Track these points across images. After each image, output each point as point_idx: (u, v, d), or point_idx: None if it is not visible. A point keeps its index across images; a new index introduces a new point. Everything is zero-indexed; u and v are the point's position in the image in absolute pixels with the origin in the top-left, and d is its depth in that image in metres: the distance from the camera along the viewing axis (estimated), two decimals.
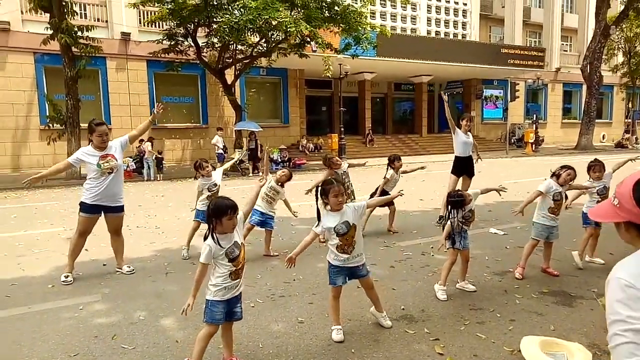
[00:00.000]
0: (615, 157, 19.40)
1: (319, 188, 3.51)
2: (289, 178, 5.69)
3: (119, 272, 5.08)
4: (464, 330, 3.51)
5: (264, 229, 5.70)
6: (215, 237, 2.85)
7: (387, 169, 6.77)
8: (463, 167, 7.36)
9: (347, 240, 3.36)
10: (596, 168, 5.02)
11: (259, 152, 17.15)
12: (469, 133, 7.38)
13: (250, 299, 4.19)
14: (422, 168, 7.06)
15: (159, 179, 15.29)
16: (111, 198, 4.93)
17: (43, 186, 12.99)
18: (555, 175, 4.66)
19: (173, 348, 3.32)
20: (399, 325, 3.62)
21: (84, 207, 4.88)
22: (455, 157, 7.46)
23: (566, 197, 4.82)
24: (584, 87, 27.34)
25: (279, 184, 5.63)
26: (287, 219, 7.99)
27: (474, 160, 7.59)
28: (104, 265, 5.37)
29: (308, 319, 3.77)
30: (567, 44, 34.14)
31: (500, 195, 4.66)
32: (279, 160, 18.73)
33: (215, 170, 5.82)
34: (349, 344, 3.32)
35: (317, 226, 3.49)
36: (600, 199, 4.97)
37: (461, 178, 7.39)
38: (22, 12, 17.00)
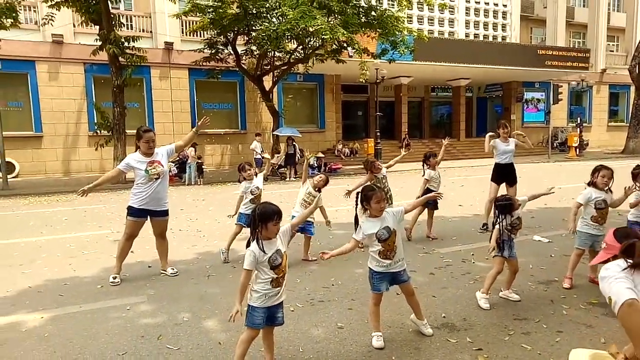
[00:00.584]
0: None
1: (360, 194, 3.48)
2: (326, 183, 5.72)
3: (163, 274, 5.25)
4: (509, 341, 3.42)
5: (303, 234, 5.74)
6: (261, 243, 2.87)
7: (423, 167, 6.69)
8: (503, 174, 7.14)
9: (388, 246, 3.36)
10: (607, 174, 4.64)
11: (297, 157, 17.32)
12: (509, 140, 7.14)
13: (290, 303, 4.24)
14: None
15: (199, 183, 15.67)
16: (157, 202, 5.10)
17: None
18: (592, 183, 4.46)
19: (216, 350, 3.40)
20: (440, 333, 3.57)
21: (132, 211, 5.08)
22: (495, 163, 7.28)
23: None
24: (632, 88, 26.09)
25: (317, 189, 5.66)
26: (324, 223, 8.03)
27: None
28: (149, 267, 5.56)
29: (347, 324, 3.78)
30: (613, 44, 32.71)
31: (548, 194, 4.41)
32: (315, 165, 18.84)
33: (257, 175, 5.93)
34: (389, 352, 3.30)
35: (357, 233, 3.46)
36: None
37: (503, 186, 7.19)
38: (74, 25, 17.89)
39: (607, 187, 4.45)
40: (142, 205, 5.04)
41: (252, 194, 5.75)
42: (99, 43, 14.79)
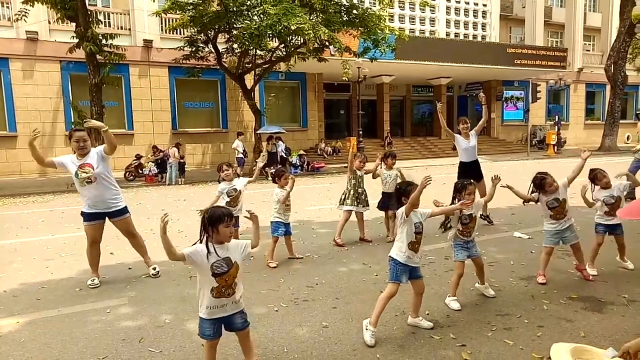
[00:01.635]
0: None
1: (401, 188, 3.66)
2: (289, 179, 5.59)
3: (147, 268, 5.16)
4: (491, 337, 3.45)
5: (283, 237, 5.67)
6: (213, 246, 2.78)
7: (380, 165, 6.61)
8: (467, 172, 7.04)
9: (419, 239, 3.54)
10: (599, 175, 4.83)
11: (284, 156, 17.34)
12: (470, 137, 7.16)
13: (274, 303, 4.21)
14: None
15: (180, 183, 15.49)
16: (105, 205, 4.86)
17: (69, 190, 13.29)
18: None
19: (199, 352, 3.35)
20: (424, 330, 3.58)
21: (84, 216, 4.89)
22: (460, 162, 7.31)
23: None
24: (608, 87, 26.74)
25: (283, 187, 5.56)
26: (307, 222, 8.03)
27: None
28: (130, 268, 5.46)
29: (332, 323, 3.77)
30: (590, 44, 33.43)
31: (494, 182, 4.24)
32: (298, 164, 18.80)
33: (239, 177, 5.85)
34: (374, 349, 3.31)
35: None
36: (608, 209, 4.80)
37: None
38: (49, 22, 17.47)
39: (554, 189, 4.51)
40: (92, 209, 4.83)
41: (229, 196, 5.65)
42: (76, 40, 14.46)
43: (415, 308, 3.68)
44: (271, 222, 5.56)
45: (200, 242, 2.81)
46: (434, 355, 3.21)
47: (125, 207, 5.07)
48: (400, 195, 3.61)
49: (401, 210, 3.49)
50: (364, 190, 6.48)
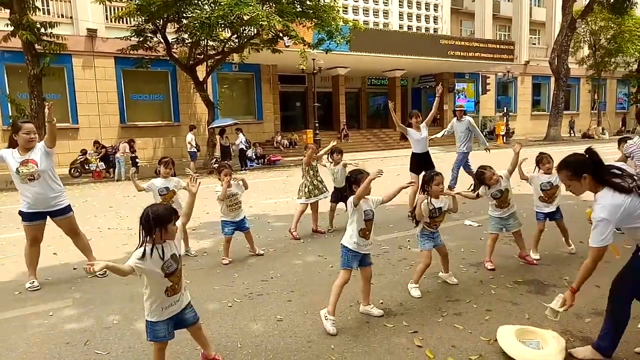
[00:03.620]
0: (582, 147, 19.95)
1: (351, 177, 3.66)
2: (231, 174, 5.37)
3: (91, 275, 4.92)
4: (442, 322, 3.54)
5: (242, 232, 5.52)
6: (161, 248, 2.64)
7: (328, 159, 6.67)
8: (421, 164, 7.26)
9: (369, 226, 3.58)
10: (544, 160, 4.96)
11: (244, 148, 17.12)
12: (421, 129, 7.34)
13: (228, 299, 4.14)
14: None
15: (136, 178, 14.93)
16: (47, 203, 4.57)
17: (8, 189, 12.53)
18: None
19: (149, 352, 3.23)
20: (378, 319, 3.62)
21: (24, 216, 4.58)
22: (412, 153, 7.48)
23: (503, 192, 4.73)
24: (552, 79, 28.01)
25: (229, 186, 5.31)
26: (263, 216, 7.95)
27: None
28: (74, 269, 5.20)
29: (287, 316, 3.74)
30: (535, 37, 34.91)
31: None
32: (254, 157, 18.58)
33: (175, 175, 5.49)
34: (329, 340, 3.31)
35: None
36: (543, 194, 4.99)
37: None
38: None
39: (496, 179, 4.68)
40: (31, 209, 4.53)
41: (161, 195, 5.24)
42: (11, 28, 13.54)
43: (365, 296, 3.74)
44: (220, 220, 5.44)
45: (141, 246, 2.62)
46: (387, 342, 3.25)
47: (69, 205, 4.81)
48: (351, 184, 3.64)
49: (351, 199, 3.51)
50: (321, 180, 6.51)
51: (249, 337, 3.41)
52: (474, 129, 8.97)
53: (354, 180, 3.62)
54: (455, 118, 9.10)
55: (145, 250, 2.61)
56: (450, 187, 6.69)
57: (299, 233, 6.30)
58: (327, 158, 6.66)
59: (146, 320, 2.74)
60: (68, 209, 4.78)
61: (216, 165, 16.09)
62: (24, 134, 4.46)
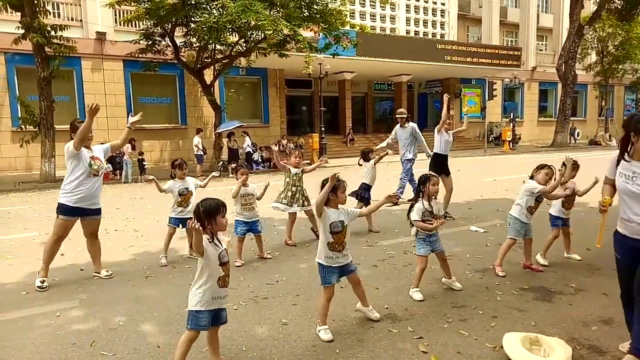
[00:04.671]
0: (588, 154, 19.84)
1: (323, 184, 3.49)
2: (248, 174, 5.45)
3: (96, 276, 4.96)
4: (447, 328, 3.53)
5: (253, 234, 5.52)
6: (215, 237, 2.84)
7: (359, 163, 6.79)
8: (440, 165, 7.40)
9: (339, 239, 3.44)
10: (550, 173, 4.82)
11: (251, 152, 17.17)
12: (449, 133, 7.57)
13: (233, 302, 4.14)
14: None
15: (142, 180, 15.07)
16: (92, 201, 4.81)
17: (16, 189, 12.65)
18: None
19: (154, 353, 3.26)
20: (383, 324, 3.62)
21: (64, 210, 4.71)
22: (435, 154, 7.58)
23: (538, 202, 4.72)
24: (559, 85, 27.90)
25: (245, 185, 5.39)
26: (268, 219, 7.95)
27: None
28: (82, 270, 5.24)
29: (292, 320, 3.74)
30: (542, 44, 34.82)
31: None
32: (260, 160, 18.62)
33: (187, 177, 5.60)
34: (334, 345, 3.31)
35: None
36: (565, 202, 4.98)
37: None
38: None
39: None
40: (77, 203, 4.70)
41: (181, 195, 5.43)
42: (22, 31, 13.69)
43: (362, 298, 3.71)
44: (234, 220, 5.46)
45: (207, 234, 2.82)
46: (392, 348, 3.24)
47: (101, 208, 5.03)
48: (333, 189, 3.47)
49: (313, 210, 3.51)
50: (300, 189, 6.11)
51: (254, 341, 3.41)
52: (418, 135, 8.81)
53: (332, 188, 3.44)
54: (398, 125, 8.93)
55: (213, 241, 2.84)
56: (398, 197, 6.50)
57: (305, 237, 6.31)
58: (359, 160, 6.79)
59: (189, 311, 2.85)
60: (100, 211, 5.00)
61: (221, 169, 16.24)
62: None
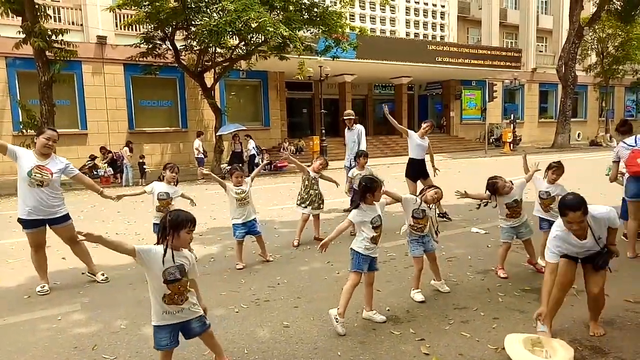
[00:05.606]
0: (590, 155, 19.79)
1: (363, 185, 3.66)
2: (242, 175, 5.46)
3: (91, 278, 4.96)
4: (449, 330, 3.52)
5: (253, 236, 5.51)
6: (171, 251, 2.65)
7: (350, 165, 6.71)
8: (418, 170, 7.36)
9: (379, 232, 3.68)
10: (556, 171, 4.91)
11: (255, 155, 17.18)
12: (425, 137, 7.41)
13: (235, 304, 4.15)
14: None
15: (142, 183, 15.06)
16: (48, 210, 4.60)
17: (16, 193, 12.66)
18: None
19: (156, 357, 3.24)
20: (384, 326, 3.62)
21: (24, 223, 4.58)
22: (410, 159, 7.51)
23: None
24: (560, 86, 27.91)
25: (239, 185, 5.38)
26: (270, 222, 7.96)
27: (433, 172, 7.59)
28: (83, 273, 5.23)
29: (293, 323, 3.74)
30: (542, 45, 34.84)
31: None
32: (260, 163, 18.62)
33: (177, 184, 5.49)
34: (335, 347, 3.31)
35: (352, 215, 3.69)
36: (541, 201, 4.96)
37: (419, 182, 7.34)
38: None
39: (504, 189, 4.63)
40: (32, 216, 4.52)
41: (159, 200, 5.22)
42: (23, 36, 13.72)
43: (369, 301, 3.75)
44: (232, 225, 5.45)
45: (158, 244, 2.68)
46: (394, 350, 3.24)
47: (68, 214, 4.85)
48: (364, 192, 3.67)
49: (355, 212, 3.70)
50: (318, 192, 6.37)
51: (255, 343, 3.41)
52: (361, 138, 8.32)
53: (369, 189, 3.62)
54: (347, 127, 8.51)
55: (157, 246, 2.66)
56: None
57: (306, 239, 6.32)
58: (352, 162, 6.69)
59: (153, 326, 2.74)
60: (67, 217, 4.82)
61: (224, 171, 16.22)
62: (43, 139, 4.53)
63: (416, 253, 4.19)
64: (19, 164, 4.51)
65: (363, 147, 8.16)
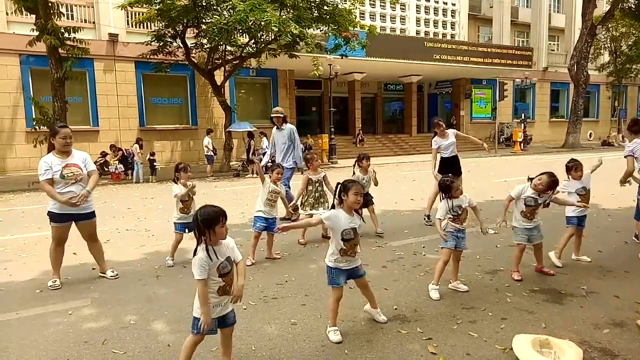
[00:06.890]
0: (601, 155, 19.64)
1: (340, 185, 3.44)
2: (282, 172, 5.72)
3: (102, 277, 5.01)
4: (457, 329, 3.51)
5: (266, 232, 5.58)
6: (210, 250, 2.71)
7: (354, 168, 6.57)
8: (449, 168, 7.30)
9: (351, 247, 3.40)
10: (578, 167, 4.97)
11: (250, 154, 17.13)
12: (449, 134, 7.39)
13: (243, 301, 4.13)
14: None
15: (152, 180, 15.19)
16: (80, 206, 4.73)
17: (30, 189, 12.83)
18: (531, 180, 4.58)
19: (165, 352, 3.29)
20: (391, 325, 3.61)
21: (53, 217, 4.73)
22: (441, 158, 7.53)
23: (547, 205, 4.64)
24: (571, 86, 27.63)
25: (276, 183, 5.53)
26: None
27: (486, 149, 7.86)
28: (93, 269, 5.30)
29: (301, 320, 3.76)
30: (554, 44, 34.48)
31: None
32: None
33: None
34: (342, 345, 3.31)
35: (325, 214, 3.46)
36: (580, 199, 4.97)
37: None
38: (7, 14, 16.76)
39: (544, 192, 4.51)
40: (63, 210, 4.68)
41: (182, 202, 5.37)
42: (36, 33, 13.90)
43: (371, 300, 3.71)
44: (254, 216, 5.53)
45: (197, 249, 2.73)
46: (401, 349, 3.24)
47: (94, 211, 4.99)
48: (340, 193, 3.44)
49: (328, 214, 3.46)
50: (323, 192, 6.45)
51: (263, 341, 3.43)
52: (295, 139, 7.86)
53: (344, 188, 3.37)
54: (275, 127, 7.95)
55: (200, 252, 2.70)
56: (296, 208, 6.41)
57: (311, 238, 6.35)
58: (354, 166, 6.55)
59: (194, 317, 2.81)
60: (93, 214, 4.96)
61: (241, 168, 16.25)
62: (60, 139, 4.63)
63: (448, 245, 4.19)
64: (54, 179, 4.62)
65: (299, 149, 8.02)
